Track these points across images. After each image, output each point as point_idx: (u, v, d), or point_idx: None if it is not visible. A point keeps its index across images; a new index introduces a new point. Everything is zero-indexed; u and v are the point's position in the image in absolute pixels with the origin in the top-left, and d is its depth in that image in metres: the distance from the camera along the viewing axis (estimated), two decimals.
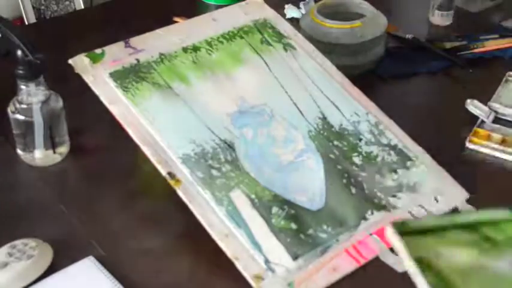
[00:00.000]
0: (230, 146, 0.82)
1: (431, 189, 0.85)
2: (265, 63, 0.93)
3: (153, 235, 0.80)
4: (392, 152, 0.88)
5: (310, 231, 0.77)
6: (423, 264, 0.37)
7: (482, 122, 0.99)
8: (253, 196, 0.78)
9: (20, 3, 1.47)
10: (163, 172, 0.78)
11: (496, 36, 1.20)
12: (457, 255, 0.38)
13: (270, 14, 1.00)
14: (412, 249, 0.38)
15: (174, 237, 0.80)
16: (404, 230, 0.39)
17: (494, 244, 0.39)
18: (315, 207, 0.79)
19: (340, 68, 0.96)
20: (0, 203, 0.84)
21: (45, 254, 0.75)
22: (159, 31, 0.93)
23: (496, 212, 0.41)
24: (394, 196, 0.83)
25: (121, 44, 0.89)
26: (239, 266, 0.73)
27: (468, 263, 0.38)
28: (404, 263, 0.38)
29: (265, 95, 0.89)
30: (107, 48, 0.88)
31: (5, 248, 0.74)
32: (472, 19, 1.36)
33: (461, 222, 0.40)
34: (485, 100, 1.02)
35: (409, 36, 1.19)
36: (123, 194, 0.86)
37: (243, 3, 1.01)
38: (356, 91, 0.94)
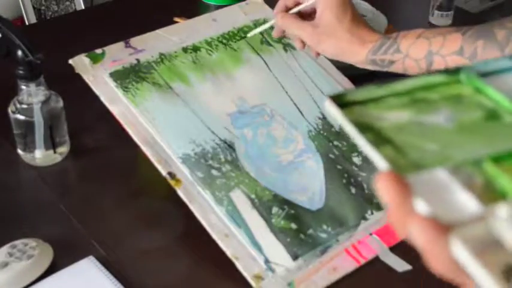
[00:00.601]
0: (230, 146, 0.82)
1: None
2: (265, 63, 0.93)
3: (153, 235, 0.80)
4: None
5: (310, 231, 0.77)
6: (363, 127, 0.39)
7: None
8: (253, 196, 0.78)
9: (21, 3, 1.47)
10: (164, 172, 0.78)
11: None
12: (395, 116, 0.40)
13: (270, 14, 1.00)
14: (353, 117, 0.40)
15: (174, 237, 0.80)
16: (343, 101, 0.40)
17: (429, 104, 0.41)
18: (314, 207, 0.80)
19: (340, 68, 0.97)
20: (1, 203, 0.84)
21: (45, 254, 0.75)
22: (159, 31, 0.93)
23: (432, 76, 0.43)
24: None
25: (121, 44, 0.90)
26: (239, 265, 0.73)
27: (406, 121, 0.40)
28: (345, 129, 0.40)
29: (265, 95, 0.90)
30: (107, 49, 0.88)
31: (5, 248, 0.74)
32: (472, 19, 1.36)
33: (398, 89, 0.42)
34: None
35: None
36: (123, 194, 0.86)
37: (243, 3, 1.01)
38: None
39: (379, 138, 0.38)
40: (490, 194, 0.35)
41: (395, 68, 0.82)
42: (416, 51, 0.79)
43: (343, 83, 0.95)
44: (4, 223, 0.81)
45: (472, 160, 0.37)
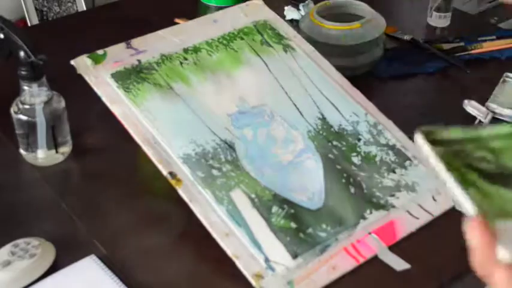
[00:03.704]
0: (230, 146, 0.83)
1: (429, 189, 0.85)
2: (265, 64, 0.94)
3: (154, 234, 0.81)
4: (390, 152, 0.88)
5: (310, 230, 0.78)
6: (449, 166, 0.40)
7: (480, 122, 1.00)
8: (253, 195, 0.79)
9: (23, 4, 1.47)
10: (165, 172, 0.78)
11: (493, 37, 1.21)
12: (479, 160, 0.42)
13: (270, 15, 1.01)
14: (440, 155, 0.41)
15: (175, 236, 0.81)
16: (432, 138, 0.42)
17: (499, 153, 0.43)
18: (314, 206, 0.80)
19: (339, 68, 0.97)
20: (3, 202, 0.85)
21: (47, 253, 0.76)
22: (160, 32, 0.94)
23: (501, 127, 0.45)
24: (392, 195, 0.84)
25: (122, 45, 0.90)
26: (239, 264, 0.73)
27: (489, 168, 0.42)
28: (432, 166, 0.41)
29: (265, 96, 0.90)
30: (108, 49, 0.88)
31: (8, 247, 0.75)
32: (470, 20, 1.37)
33: (483, 135, 0.43)
34: (482, 101, 1.02)
35: (407, 37, 1.20)
36: (124, 193, 0.87)
37: (243, 4, 1.02)
38: (355, 91, 0.95)
39: (464, 180, 0.40)
40: None
41: None
42: None
43: (342, 84, 0.95)
44: (6, 222, 0.82)
45: None
